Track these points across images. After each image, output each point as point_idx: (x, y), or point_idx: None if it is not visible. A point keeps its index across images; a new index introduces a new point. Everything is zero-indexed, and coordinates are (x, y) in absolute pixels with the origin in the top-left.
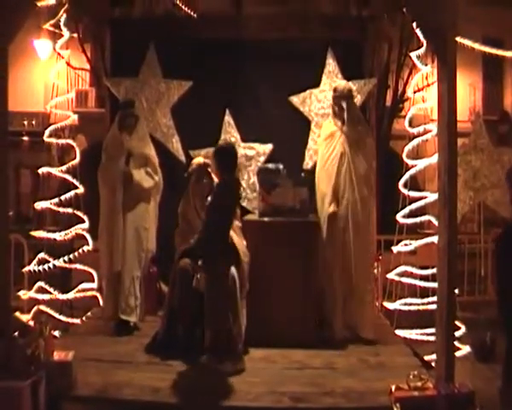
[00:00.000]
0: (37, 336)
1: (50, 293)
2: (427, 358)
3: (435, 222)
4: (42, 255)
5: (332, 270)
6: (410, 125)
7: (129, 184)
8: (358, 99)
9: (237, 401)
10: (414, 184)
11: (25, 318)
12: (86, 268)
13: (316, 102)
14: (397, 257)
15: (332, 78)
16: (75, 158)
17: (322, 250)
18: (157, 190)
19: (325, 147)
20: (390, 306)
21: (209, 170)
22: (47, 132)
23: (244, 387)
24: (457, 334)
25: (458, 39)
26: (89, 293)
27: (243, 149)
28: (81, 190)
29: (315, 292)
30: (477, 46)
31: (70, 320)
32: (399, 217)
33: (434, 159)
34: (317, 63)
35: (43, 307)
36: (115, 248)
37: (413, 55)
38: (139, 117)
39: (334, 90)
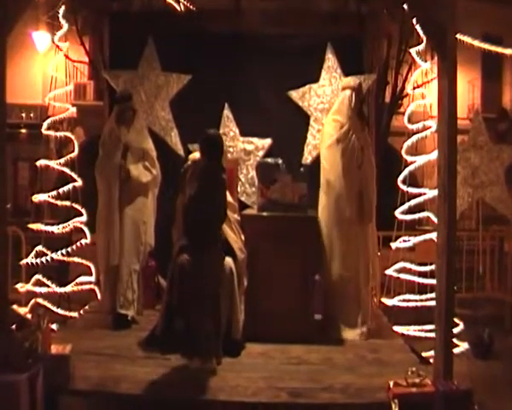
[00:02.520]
0: (34, 329)
1: (48, 286)
2: (425, 354)
3: (434, 218)
4: (39, 248)
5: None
6: (410, 121)
7: (127, 179)
8: None
9: (235, 397)
10: (412, 180)
11: (22, 311)
12: (84, 261)
13: (315, 97)
14: (395, 253)
15: (331, 73)
16: (73, 151)
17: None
18: (155, 183)
19: (343, 144)
20: (388, 302)
21: None
22: (45, 125)
23: (242, 382)
24: (456, 331)
25: (458, 36)
26: (86, 286)
27: (242, 144)
28: (79, 182)
29: (322, 290)
30: (476, 43)
31: (68, 314)
32: (398, 213)
33: (433, 155)
34: (316, 58)
35: (40, 301)
36: (112, 242)
37: (412, 51)
38: (136, 110)
39: (359, 85)
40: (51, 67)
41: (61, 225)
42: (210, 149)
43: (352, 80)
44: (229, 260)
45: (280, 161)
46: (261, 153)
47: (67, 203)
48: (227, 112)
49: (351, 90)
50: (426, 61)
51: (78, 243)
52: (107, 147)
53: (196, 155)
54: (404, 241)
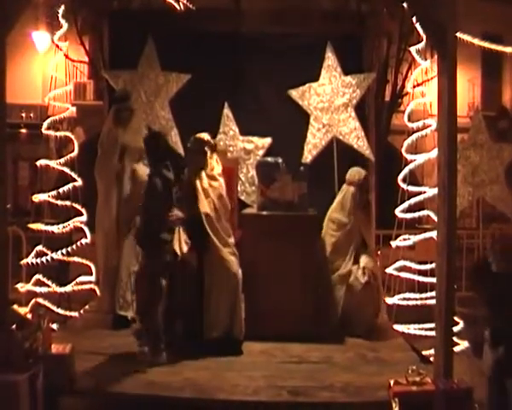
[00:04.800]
0: (34, 329)
1: (48, 286)
2: (425, 353)
3: (434, 217)
4: (40, 248)
5: None
6: (409, 119)
7: (135, 180)
8: (357, 93)
9: (236, 395)
10: (412, 178)
11: (23, 311)
12: (84, 261)
13: (315, 96)
14: (395, 252)
15: (331, 72)
16: (73, 150)
17: None
18: None
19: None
20: (388, 301)
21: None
22: (45, 125)
23: (243, 381)
24: (456, 329)
25: (458, 35)
26: (87, 286)
27: (242, 143)
28: (79, 182)
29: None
30: (476, 42)
31: (68, 313)
32: (398, 212)
33: (433, 154)
34: (316, 57)
35: (40, 300)
36: (110, 243)
37: (412, 49)
38: (134, 110)
39: (364, 178)
40: (51, 66)
41: (61, 225)
42: (147, 149)
43: (357, 174)
44: (234, 262)
45: (280, 160)
46: (261, 152)
47: (67, 203)
48: (227, 111)
49: (355, 188)
50: (426, 60)
51: (78, 243)
52: (105, 147)
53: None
54: (405, 239)
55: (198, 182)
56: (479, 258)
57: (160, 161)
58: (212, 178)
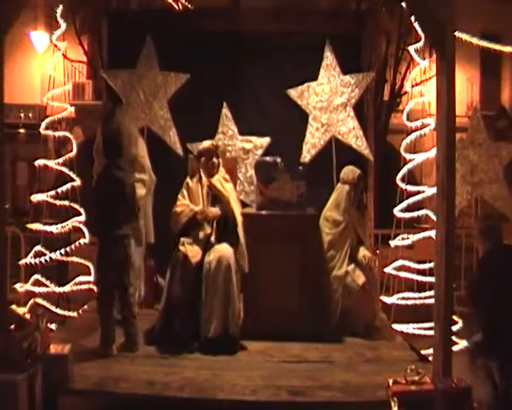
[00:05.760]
0: (33, 329)
1: (47, 286)
2: (424, 352)
3: (433, 216)
4: (38, 248)
5: None
6: (408, 119)
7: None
8: (356, 93)
9: (235, 395)
10: (411, 178)
11: (21, 311)
12: (83, 261)
13: (313, 96)
14: (394, 251)
15: (330, 71)
16: (72, 150)
17: None
18: (150, 185)
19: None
20: (387, 300)
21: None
22: (43, 125)
23: (241, 380)
24: (455, 328)
25: (456, 34)
26: (85, 286)
27: (241, 143)
28: (78, 182)
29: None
30: (475, 41)
31: (66, 313)
32: (397, 211)
33: (432, 153)
34: (315, 56)
35: (39, 300)
36: None
37: (411, 48)
38: (120, 124)
39: (358, 177)
40: (49, 66)
41: (59, 225)
42: (104, 144)
43: (351, 173)
44: (226, 255)
45: (278, 160)
46: (260, 152)
47: (66, 203)
48: (225, 111)
49: (349, 186)
50: (424, 59)
51: (76, 243)
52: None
53: (208, 142)
54: (403, 239)
55: (219, 184)
56: (473, 275)
57: (115, 158)
58: (225, 180)
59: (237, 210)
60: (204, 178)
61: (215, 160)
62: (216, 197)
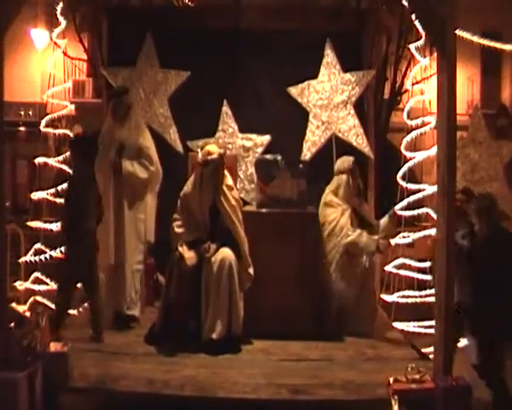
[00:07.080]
0: (33, 327)
1: (47, 284)
2: (424, 350)
3: (433, 214)
4: (38, 246)
5: None
6: (409, 117)
7: (119, 174)
8: (357, 91)
9: (235, 393)
10: (412, 176)
11: (21, 308)
12: None
13: (314, 94)
14: (395, 249)
15: (330, 69)
16: None
17: None
18: (156, 180)
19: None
20: (388, 298)
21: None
22: (44, 123)
23: (242, 379)
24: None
25: (457, 32)
26: None
27: (241, 140)
28: None
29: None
30: (476, 39)
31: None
32: (397, 209)
33: (433, 151)
34: (315, 54)
35: (39, 298)
36: (109, 241)
37: (412, 47)
38: (131, 105)
39: (353, 164)
40: (49, 64)
41: (59, 223)
42: (77, 146)
43: (346, 161)
44: (228, 255)
45: (279, 158)
46: (260, 149)
47: None
48: (226, 108)
49: (347, 175)
50: (425, 57)
51: None
52: (104, 143)
53: (216, 148)
54: (404, 237)
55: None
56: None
57: (88, 160)
58: (229, 188)
59: (241, 231)
60: (206, 186)
61: (221, 170)
62: (218, 212)
